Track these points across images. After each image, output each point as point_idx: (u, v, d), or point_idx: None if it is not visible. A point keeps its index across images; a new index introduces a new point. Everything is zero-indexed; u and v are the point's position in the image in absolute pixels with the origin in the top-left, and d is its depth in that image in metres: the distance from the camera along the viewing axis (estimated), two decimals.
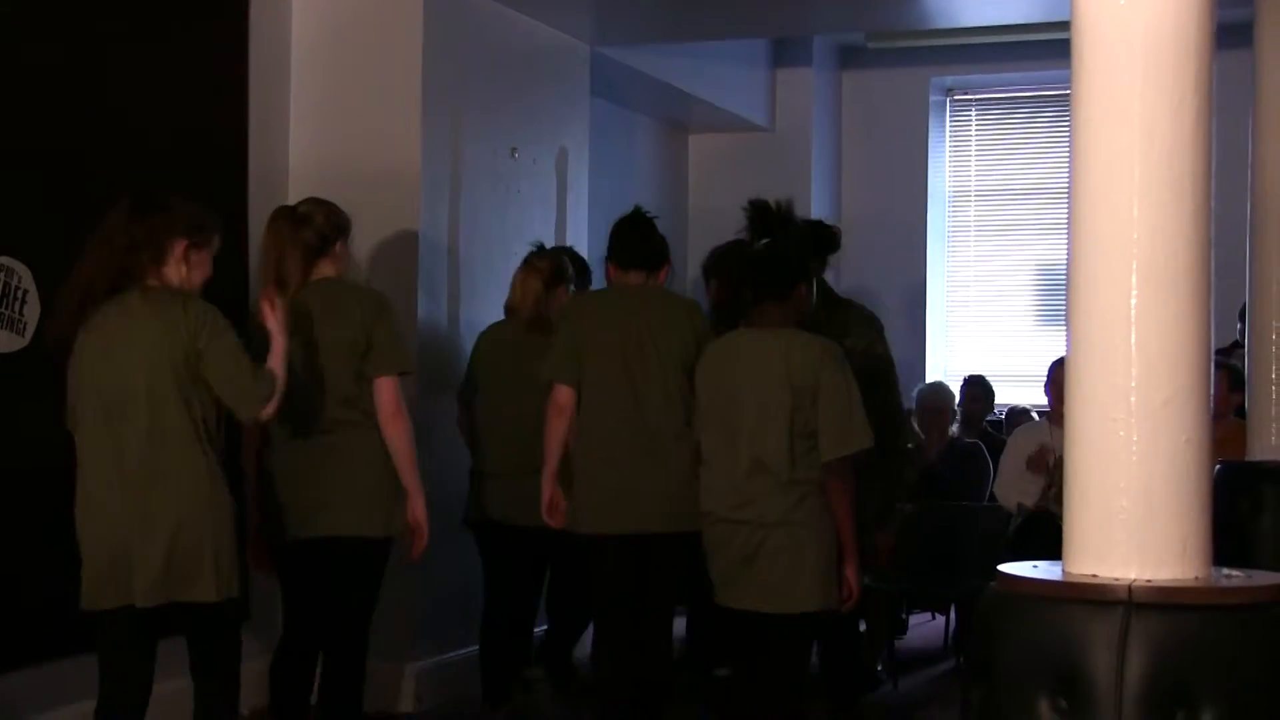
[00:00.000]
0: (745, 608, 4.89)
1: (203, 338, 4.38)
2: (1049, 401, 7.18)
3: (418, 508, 5.02)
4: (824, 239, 5.98)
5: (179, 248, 4.45)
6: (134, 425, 4.34)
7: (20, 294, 5.23)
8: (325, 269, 5.10)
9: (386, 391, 4.96)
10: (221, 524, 4.39)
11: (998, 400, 8.73)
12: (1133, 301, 2.66)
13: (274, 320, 4.59)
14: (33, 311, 5.26)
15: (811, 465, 4.85)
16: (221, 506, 4.41)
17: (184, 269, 4.46)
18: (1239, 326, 7.22)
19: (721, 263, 6.28)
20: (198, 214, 4.54)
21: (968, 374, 8.72)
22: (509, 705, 6.07)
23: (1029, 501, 7.01)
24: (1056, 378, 6.76)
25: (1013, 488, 7.14)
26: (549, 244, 7.12)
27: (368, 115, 6.53)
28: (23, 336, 5.24)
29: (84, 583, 4.38)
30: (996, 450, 7.50)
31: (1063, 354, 2.84)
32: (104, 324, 4.38)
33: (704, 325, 5.41)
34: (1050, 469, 6.86)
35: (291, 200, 6.50)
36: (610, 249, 5.55)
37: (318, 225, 5.07)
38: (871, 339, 5.85)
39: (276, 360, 4.54)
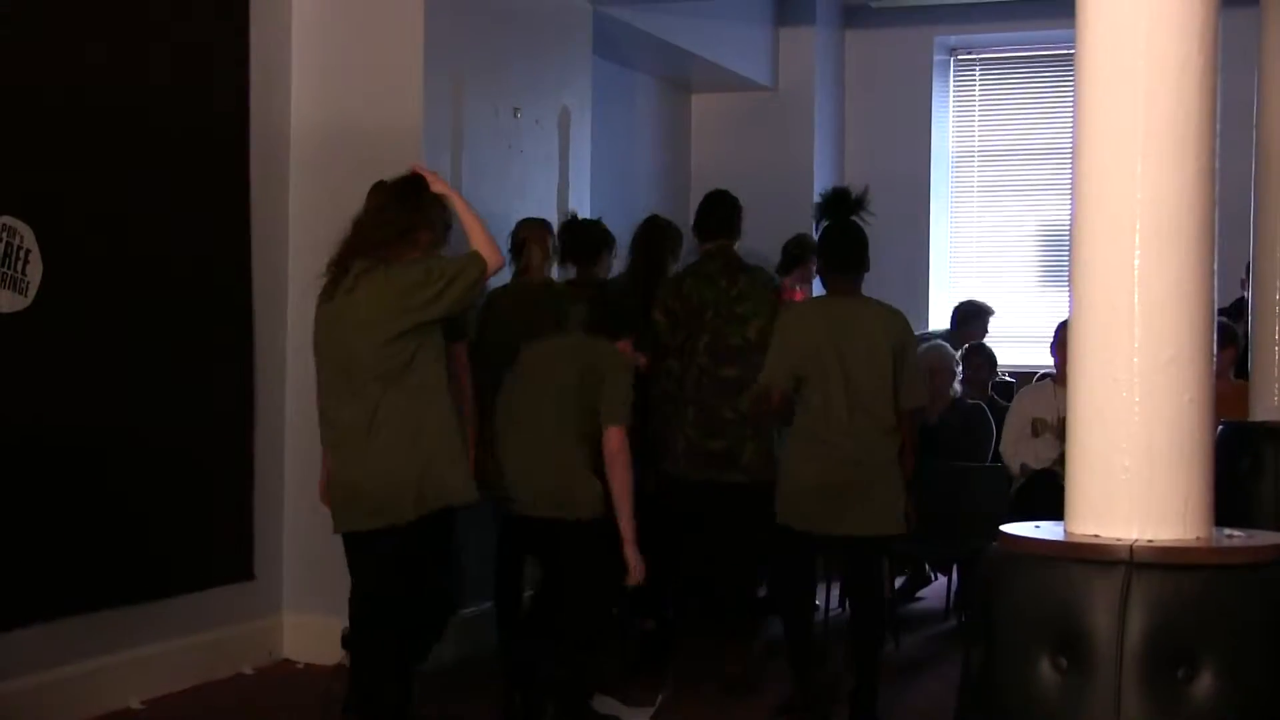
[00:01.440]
0: (860, 533, 5.62)
1: (405, 292, 4.72)
2: (1055, 362, 7.18)
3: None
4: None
5: (425, 237, 4.89)
6: (353, 388, 4.75)
7: (23, 254, 5.22)
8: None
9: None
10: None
11: (1001, 362, 8.70)
12: (1136, 261, 2.65)
13: (441, 183, 5.02)
14: (35, 271, 5.26)
15: (893, 414, 5.60)
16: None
17: (416, 254, 4.85)
18: (1243, 284, 7.19)
19: (640, 234, 6.89)
20: (444, 211, 5.04)
21: (969, 343, 8.67)
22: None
23: (1033, 462, 7.01)
24: (1063, 339, 6.75)
25: (1017, 449, 7.15)
26: (552, 205, 7.13)
27: (369, 75, 6.51)
28: (25, 296, 5.24)
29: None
30: (1000, 415, 7.49)
31: (1067, 315, 2.84)
32: (337, 298, 4.78)
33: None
34: (1055, 432, 6.88)
35: (293, 161, 6.52)
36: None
37: None
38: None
39: (466, 220, 4.95)
